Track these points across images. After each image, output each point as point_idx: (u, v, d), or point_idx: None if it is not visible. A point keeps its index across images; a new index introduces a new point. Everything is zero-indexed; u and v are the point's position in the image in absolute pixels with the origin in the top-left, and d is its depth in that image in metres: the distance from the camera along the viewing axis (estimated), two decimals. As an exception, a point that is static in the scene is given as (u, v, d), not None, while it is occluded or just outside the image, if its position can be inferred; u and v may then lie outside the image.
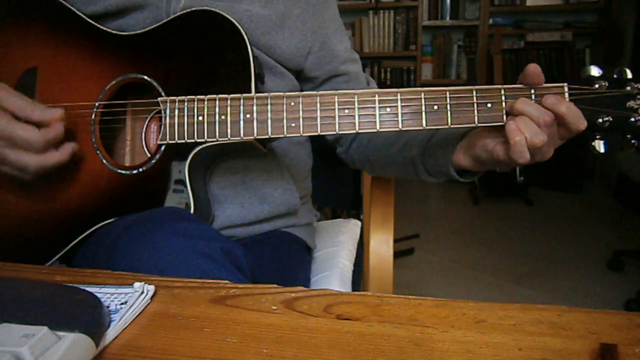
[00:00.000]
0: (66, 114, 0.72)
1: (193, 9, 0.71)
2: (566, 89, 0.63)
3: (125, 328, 0.42)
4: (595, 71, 0.64)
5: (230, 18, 0.69)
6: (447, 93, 0.64)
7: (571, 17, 3.58)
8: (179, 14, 0.72)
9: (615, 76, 0.64)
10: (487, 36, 3.56)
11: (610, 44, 3.36)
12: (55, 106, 0.73)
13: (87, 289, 0.45)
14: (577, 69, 3.47)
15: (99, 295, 0.44)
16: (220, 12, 0.70)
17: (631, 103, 0.62)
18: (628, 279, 2.24)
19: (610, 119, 0.63)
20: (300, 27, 0.83)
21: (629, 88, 0.63)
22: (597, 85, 0.63)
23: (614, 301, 2.08)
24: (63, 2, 0.76)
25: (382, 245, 0.97)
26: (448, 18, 3.68)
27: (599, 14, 3.53)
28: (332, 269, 0.96)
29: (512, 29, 3.62)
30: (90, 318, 0.40)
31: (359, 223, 1.20)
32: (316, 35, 0.85)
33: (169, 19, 0.72)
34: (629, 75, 0.63)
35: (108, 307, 0.44)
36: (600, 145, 0.65)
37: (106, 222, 0.70)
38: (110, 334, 0.41)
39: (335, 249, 1.04)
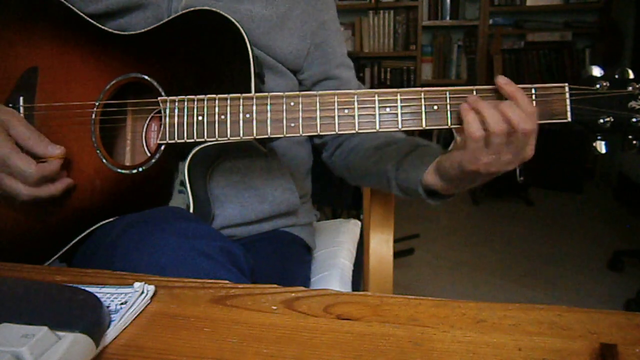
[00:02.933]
0: (68, 115, 0.72)
1: (193, 8, 0.71)
2: (567, 89, 0.63)
3: (125, 328, 0.42)
4: (596, 71, 0.64)
5: (230, 17, 0.69)
6: (447, 93, 0.64)
7: (571, 17, 3.58)
8: (179, 13, 0.72)
9: (616, 76, 0.63)
10: (487, 36, 3.56)
11: (610, 44, 3.36)
12: (57, 105, 0.72)
13: (87, 289, 0.45)
14: (577, 69, 3.47)
15: (99, 295, 0.44)
16: (220, 11, 0.69)
17: (633, 104, 0.62)
18: (628, 279, 2.24)
19: (612, 120, 0.63)
20: (300, 28, 0.84)
21: (630, 88, 0.62)
22: (598, 86, 0.63)
23: (614, 301, 2.08)
24: (64, 1, 0.76)
25: (382, 245, 0.97)
26: (448, 18, 3.68)
27: (599, 14, 3.53)
28: (332, 269, 0.96)
29: (512, 29, 3.62)
30: (90, 318, 0.40)
31: (359, 223, 1.20)
32: (314, 36, 0.86)
33: (169, 18, 0.72)
34: (631, 75, 0.63)
35: (108, 307, 0.44)
36: (601, 146, 0.65)
37: (106, 221, 0.70)
38: (110, 334, 0.41)
39: (335, 249, 1.04)
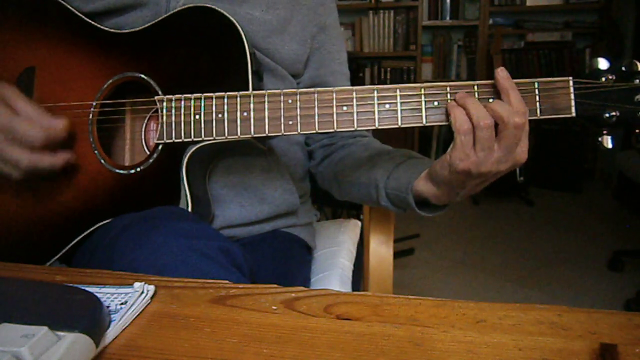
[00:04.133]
0: (65, 115, 0.72)
1: (189, 5, 0.70)
2: (571, 83, 0.62)
3: (125, 328, 0.42)
4: (602, 64, 0.62)
5: (226, 14, 0.68)
6: (448, 88, 0.63)
7: (571, 17, 3.58)
8: (174, 11, 0.71)
9: (623, 69, 0.61)
10: (487, 36, 3.56)
11: (610, 44, 3.36)
12: (54, 106, 0.72)
13: (87, 289, 0.45)
14: (577, 69, 3.47)
15: (99, 295, 0.44)
16: (216, 7, 0.69)
17: None
18: (628, 279, 2.24)
19: (618, 114, 0.61)
20: (301, 33, 0.83)
21: (637, 81, 0.60)
22: (604, 79, 0.61)
23: (614, 301, 2.08)
24: (61, 1, 0.75)
25: (382, 245, 0.97)
26: (448, 18, 3.68)
27: (599, 14, 3.53)
28: (332, 269, 0.96)
29: (512, 29, 3.62)
30: (90, 318, 0.40)
31: (359, 223, 1.19)
32: (314, 40, 0.86)
33: (165, 16, 0.72)
34: (639, 67, 0.61)
35: (108, 307, 0.44)
36: (607, 141, 0.63)
37: (105, 221, 0.70)
38: (110, 334, 0.41)
39: (335, 249, 1.04)
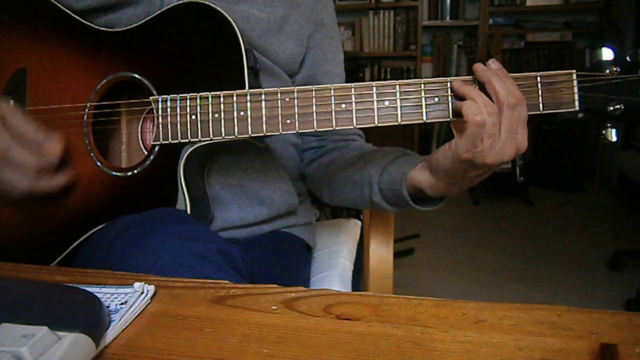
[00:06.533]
0: (59, 117, 0.70)
1: (181, 1, 0.69)
2: (574, 76, 0.61)
3: (125, 328, 0.42)
4: (607, 54, 0.61)
5: (219, 9, 0.67)
6: (449, 83, 0.62)
7: (571, 17, 3.58)
8: (166, 7, 0.70)
9: (628, 59, 0.60)
10: (487, 36, 3.56)
11: (610, 44, 3.36)
12: (48, 108, 0.71)
13: (87, 289, 0.45)
14: (577, 69, 3.47)
15: (99, 295, 0.44)
16: (209, 3, 0.68)
17: None
18: (628, 279, 2.24)
19: (622, 107, 0.60)
20: (297, 32, 0.83)
21: None
22: (608, 71, 0.60)
23: (614, 301, 2.08)
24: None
25: (382, 245, 0.97)
26: (448, 18, 3.68)
27: (599, 14, 3.53)
28: (332, 269, 0.96)
29: (512, 29, 3.62)
30: (90, 318, 0.40)
31: (359, 223, 1.19)
32: (310, 39, 0.85)
33: (157, 13, 0.70)
34: None
35: (108, 307, 0.44)
36: (611, 134, 0.62)
37: (103, 224, 0.69)
38: (110, 334, 0.41)
39: (335, 248, 1.04)
